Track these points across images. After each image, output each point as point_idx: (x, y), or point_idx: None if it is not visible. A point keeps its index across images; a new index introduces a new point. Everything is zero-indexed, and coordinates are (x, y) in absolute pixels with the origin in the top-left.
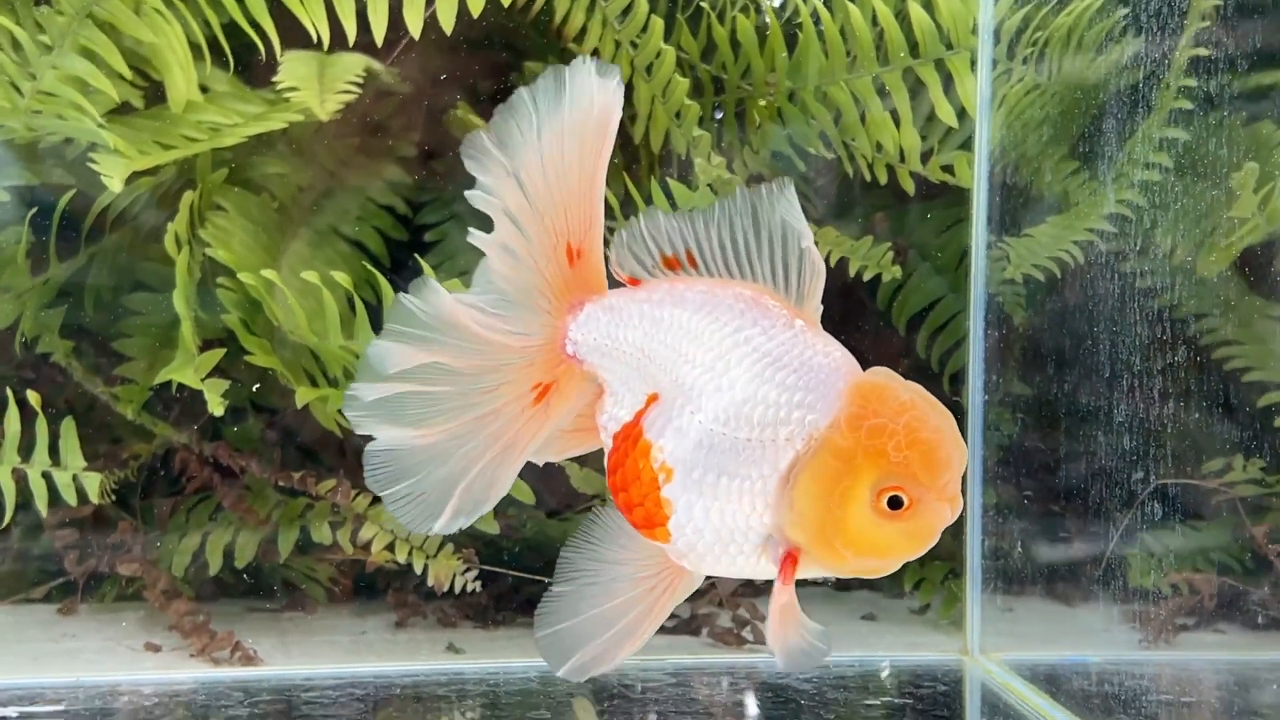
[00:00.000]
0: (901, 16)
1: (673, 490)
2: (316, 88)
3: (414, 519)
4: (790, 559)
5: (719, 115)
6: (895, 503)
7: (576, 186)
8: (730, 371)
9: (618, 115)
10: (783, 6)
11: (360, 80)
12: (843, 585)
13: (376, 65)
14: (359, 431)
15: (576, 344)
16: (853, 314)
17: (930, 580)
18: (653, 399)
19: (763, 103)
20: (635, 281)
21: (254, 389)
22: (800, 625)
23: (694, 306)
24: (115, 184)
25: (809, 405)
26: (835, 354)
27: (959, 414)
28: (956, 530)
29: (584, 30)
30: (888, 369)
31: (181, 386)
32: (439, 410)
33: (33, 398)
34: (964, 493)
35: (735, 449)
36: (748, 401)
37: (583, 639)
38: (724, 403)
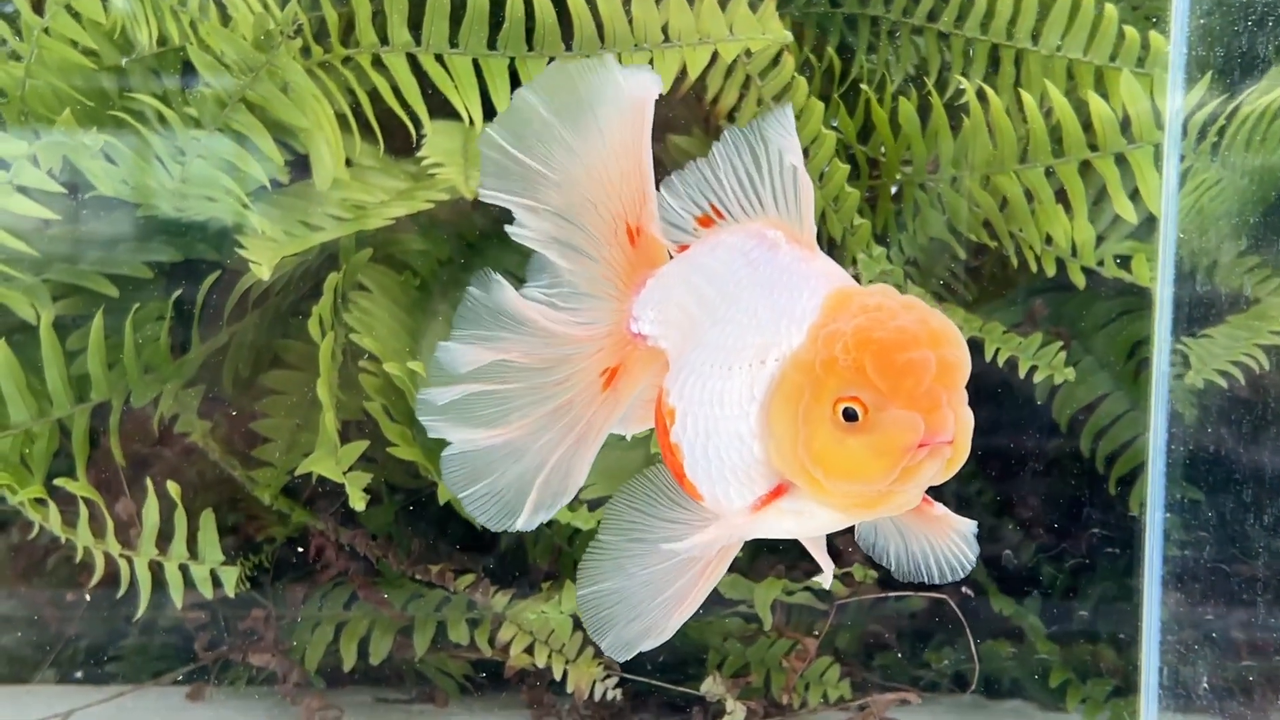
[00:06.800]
0: (1077, 103)
1: (677, 433)
2: (462, 164)
3: (493, 517)
4: (780, 491)
5: (870, 196)
6: (850, 414)
7: (624, 167)
8: (731, 307)
9: (652, 93)
10: (942, 85)
11: None
12: (994, 694)
13: None
14: (431, 435)
15: (638, 320)
16: (1009, 407)
17: (1094, 698)
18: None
19: (924, 188)
20: (685, 249)
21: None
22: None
23: (707, 252)
24: (264, 271)
25: (791, 327)
26: (828, 274)
27: (1132, 524)
28: (1128, 647)
29: (737, 108)
30: (887, 286)
31: None
32: (512, 407)
33: (173, 489)
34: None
35: (726, 381)
36: (744, 332)
37: (629, 606)
38: (721, 337)
